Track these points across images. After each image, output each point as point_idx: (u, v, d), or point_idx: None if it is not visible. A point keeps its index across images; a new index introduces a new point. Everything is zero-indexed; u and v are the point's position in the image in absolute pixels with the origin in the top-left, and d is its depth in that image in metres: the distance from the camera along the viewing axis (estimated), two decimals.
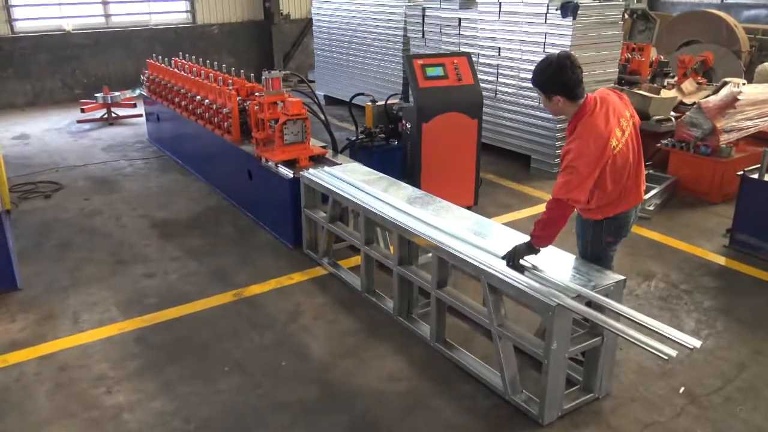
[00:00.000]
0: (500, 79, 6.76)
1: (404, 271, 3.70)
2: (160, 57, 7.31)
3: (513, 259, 3.13)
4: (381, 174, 4.45)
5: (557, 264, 3.15)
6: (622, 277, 3.04)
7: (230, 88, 5.54)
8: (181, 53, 7.21)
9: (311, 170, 4.55)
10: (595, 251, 3.20)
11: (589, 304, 2.90)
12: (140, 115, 8.65)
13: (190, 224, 5.35)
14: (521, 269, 3.09)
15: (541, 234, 3.04)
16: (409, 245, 3.72)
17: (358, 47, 9.04)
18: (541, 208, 5.71)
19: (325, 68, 9.86)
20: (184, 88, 6.43)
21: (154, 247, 4.91)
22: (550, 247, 3.22)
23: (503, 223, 3.91)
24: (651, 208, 5.44)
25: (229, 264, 4.61)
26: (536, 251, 3.12)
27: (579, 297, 2.89)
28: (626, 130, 2.97)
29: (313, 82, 9.92)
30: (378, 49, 8.62)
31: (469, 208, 5.18)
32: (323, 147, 4.99)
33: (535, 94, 6.43)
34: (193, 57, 6.95)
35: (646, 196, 5.44)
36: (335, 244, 4.58)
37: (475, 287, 3.65)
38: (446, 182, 5.22)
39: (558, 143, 6.34)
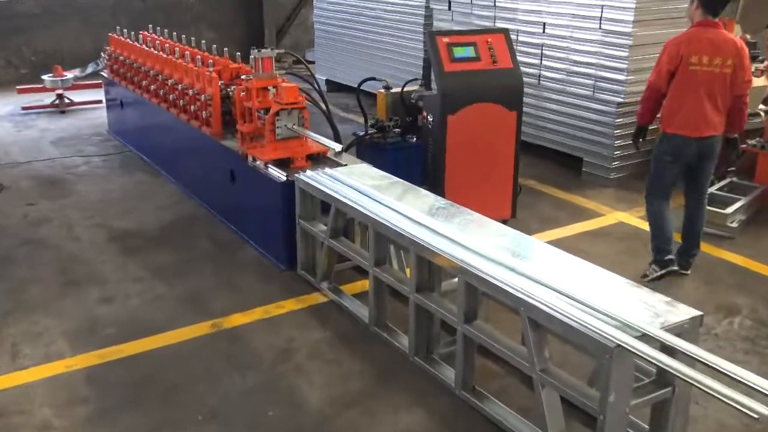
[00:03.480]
0: (545, 62, 6.78)
1: (423, 300, 3.69)
2: (125, 31, 7.39)
3: (635, 142, 4.77)
4: (395, 178, 4.46)
5: (616, 294, 3.12)
6: (699, 313, 3.00)
7: (210, 69, 5.60)
8: (150, 27, 7.29)
9: (309, 172, 4.56)
10: (656, 168, 4.66)
11: (657, 345, 2.86)
12: (99, 102, 8.75)
13: (157, 237, 5.37)
14: (637, 145, 4.77)
15: (639, 112, 4.68)
16: (429, 267, 3.71)
17: (368, 21, 9.12)
18: (596, 223, 5.81)
19: (328, 46, 9.95)
20: (154, 69, 6.50)
21: (112, 265, 4.93)
22: (607, 272, 3.25)
23: (547, 242, 3.89)
24: (734, 225, 5.39)
25: (205, 287, 4.62)
26: (642, 129, 4.71)
27: (644, 336, 2.85)
28: (715, 67, 4.36)
29: (312, 63, 10.00)
30: (393, 23, 8.69)
31: (505, 221, 5.16)
32: (324, 144, 5.00)
33: (589, 82, 6.43)
34: (166, 31, 7.03)
35: (728, 210, 5.40)
36: (337, 264, 4.58)
37: (512, 322, 3.62)
38: (477, 189, 5.21)
39: (618, 142, 6.32)
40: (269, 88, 5.04)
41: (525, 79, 5.59)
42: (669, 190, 4.67)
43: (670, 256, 4.66)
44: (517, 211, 5.49)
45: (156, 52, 6.55)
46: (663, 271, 4.65)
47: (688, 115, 4.45)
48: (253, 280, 4.72)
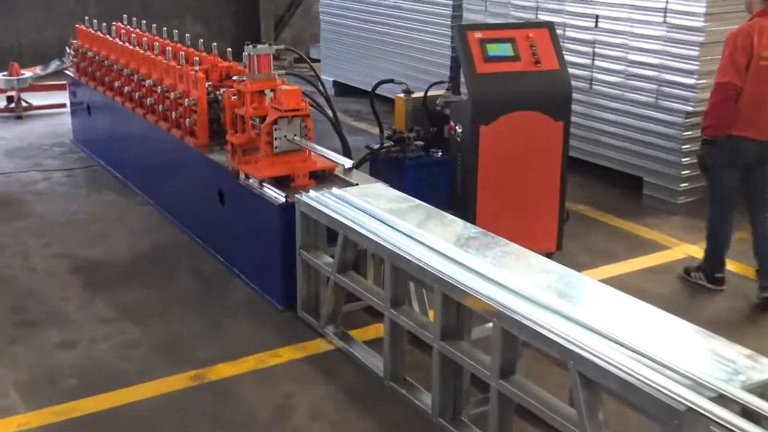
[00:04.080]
0: (598, 63, 6.80)
1: (450, 349, 3.67)
2: (95, 22, 7.51)
3: (703, 165, 4.94)
4: (416, 201, 4.47)
5: (686, 344, 3.10)
6: None
7: (196, 68, 5.67)
8: (125, 17, 7.40)
9: (313, 192, 4.59)
10: (715, 173, 4.94)
11: (737, 408, 2.83)
12: (63, 106, 8.87)
13: (130, 270, 5.41)
14: (706, 169, 4.93)
15: (708, 123, 4.84)
16: (458, 310, 3.70)
17: (385, 12, 9.22)
18: (659, 258, 5.77)
19: (336, 42, 10.05)
20: (129, 67, 6.59)
21: (75, 303, 4.96)
22: (674, 317, 3.24)
23: (601, 280, 3.87)
24: None
25: (186, 331, 4.63)
26: (713, 144, 4.83)
27: (721, 398, 2.82)
28: None
29: (317, 61, 10.10)
30: (415, 14, 8.78)
31: (549, 255, 5.13)
32: (331, 159, 5.03)
33: (652, 86, 6.43)
34: (144, 23, 7.13)
35: None
36: (346, 304, 4.58)
37: (559, 377, 3.59)
38: (515, 215, 5.22)
39: (685, 160, 6.31)
40: (266, 91, 5.10)
41: (573, 83, 5.61)
42: (732, 194, 5.01)
43: (720, 275, 5.06)
44: (564, 243, 5.47)
45: (131, 47, 6.64)
46: (709, 285, 5.08)
47: (753, 115, 4.75)
48: (245, 322, 4.73)
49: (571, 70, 5.67)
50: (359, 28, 9.61)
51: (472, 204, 5.17)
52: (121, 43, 6.84)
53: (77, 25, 7.77)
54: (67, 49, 7.95)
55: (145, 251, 5.68)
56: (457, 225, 4.16)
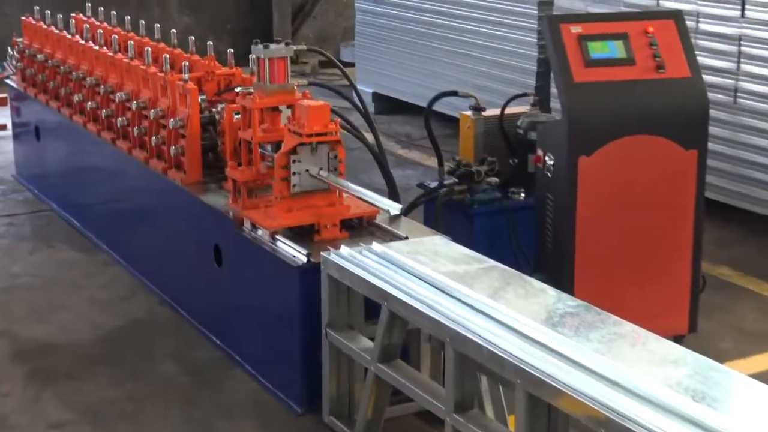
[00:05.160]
0: (745, 67, 6.78)
1: None
2: (47, 13, 7.67)
3: None
4: (490, 260, 4.47)
5: None
6: None
7: (185, 76, 5.75)
8: (89, 5, 7.55)
9: (345, 249, 4.60)
10: None
11: None
12: (2, 127, 9.05)
13: (92, 355, 5.45)
14: None
15: None
16: (549, 415, 3.67)
17: (445, 3, 9.26)
18: None
19: (377, 39, 10.14)
20: (93, 74, 6.73)
21: (17, 401, 4.99)
22: None
23: (752, 375, 3.82)
24: None
25: None
26: None
27: None
28: None
29: (351, 66, 10.21)
30: (486, 2, 8.81)
31: (680, 338, 5.09)
32: (371, 202, 5.06)
33: None
34: (114, 14, 7.28)
35: None
36: (391, 406, 4.56)
37: None
38: (629, 282, 5.19)
39: None
40: (281, 108, 5.16)
41: (712, 96, 5.60)
42: None
43: None
44: (699, 321, 5.42)
45: (96, 47, 6.77)
46: None
47: None
48: (249, 430, 4.73)
49: (707, 78, 5.68)
50: (409, 19, 9.70)
51: (569, 265, 5.16)
52: (82, 41, 6.97)
53: (23, 18, 7.91)
54: (9, 50, 8.12)
55: (113, 330, 5.73)
56: (548, 295, 4.13)
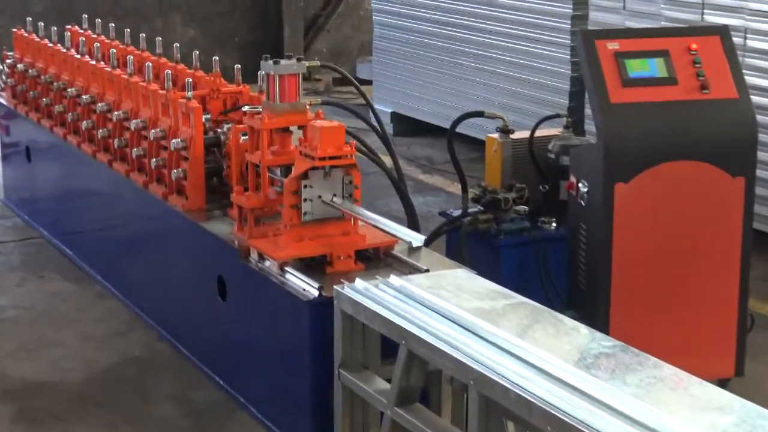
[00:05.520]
0: None
1: None
2: (41, 25, 7.72)
3: None
4: (518, 296, 4.45)
5: None
6: None
7: (189, 94, 5.78)
8: (85, 17, 7.60)
9: (360, 283, 4.60)
10: None
11: None
12: None
13: (84, 396, 5.44)
14: None
15: None
16: None
17: (469, 10, 9.31)
18: None
19: (396, 55, 10.16)
20: (89, 92, 6.77)
21: None
22: None
23: None
24: None
25: None
26: None
27: None
28: None
29: (368, 83, 10.26)
30: (516, 13, 8.84)
31: (725, 382, 5.06)
32: (389, 232, 5.06)
33: None
34: (112, 26, 7.32)
35: None
36: None
37: None
38: (669, 320, 5.18)
39: None
40: (291, 129, 5.18)
41: (760, 119, 5.59)
42: None
43: None
44: (746, 364, 5.39)
45: (93, 62, 6.82)
46: None
47: None
48: None
49: (756, 99, 5.67)
50: (431, 34, 9.72)
51: (604, 302, 5.14)
52: (78, 55, 7.02)
53: (14, 30, 7.96)
54: (0, 65, 8.17)
55: (107, 368, 5.73)
56: (581, 334, 4.12)
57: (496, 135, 5.63)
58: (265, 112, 5.16)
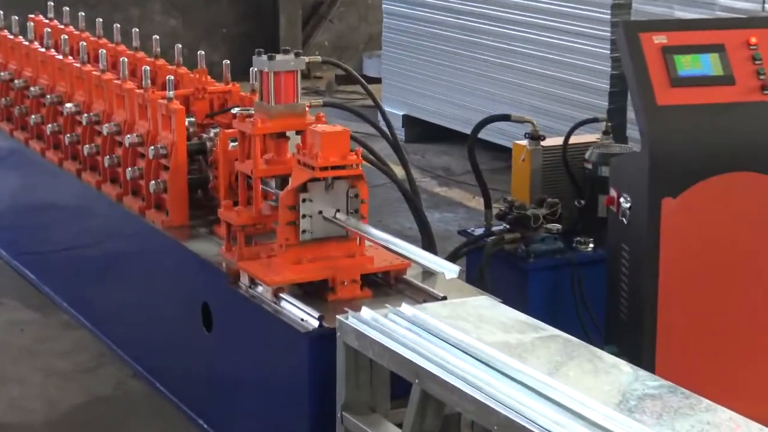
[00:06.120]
0: None
1: None
2: (0, 14, 7.73)
3: None
4: (549, 328, 4.46)
5: None
6: None
7: (170, 94, 5.78)
8: (51, 5, 7.62)
9: (367, 312, 4.60)
10: None
11: None
12: None
13: None
14: None
15: None
16: None
17: (491, 3, 9.30)
18: None
19: (408, 48, 10.20)
20: (54, 91, 6.80)
21: None
22: None
23: None
24: None
25: None
26: None
27: None
28: None
29: (377, 81, 10.28)
30: (546, 3, 8.84)
31: None
32: (399, 253, 5.05)
33: None
34: (81, 15, 7.33)
35: None
36: None
37: None
38: (723, 356, 5.18)
39: None
40: (288, 134, 5.19)
41: None
42: None
43: None
44: None
45: (59, 56, 6.84)
46: None
47: None
48: None
49: None
50: (448, 25, 9.76)
51: (649, 335, 5.14)
52: (42, 49, 7.04)
53: None
54: None
55: (73, 409, 5.74)
56: (622, 372, 4.12)
57: (524, 142, 5.64)
58: (257, 115, 5.16)
